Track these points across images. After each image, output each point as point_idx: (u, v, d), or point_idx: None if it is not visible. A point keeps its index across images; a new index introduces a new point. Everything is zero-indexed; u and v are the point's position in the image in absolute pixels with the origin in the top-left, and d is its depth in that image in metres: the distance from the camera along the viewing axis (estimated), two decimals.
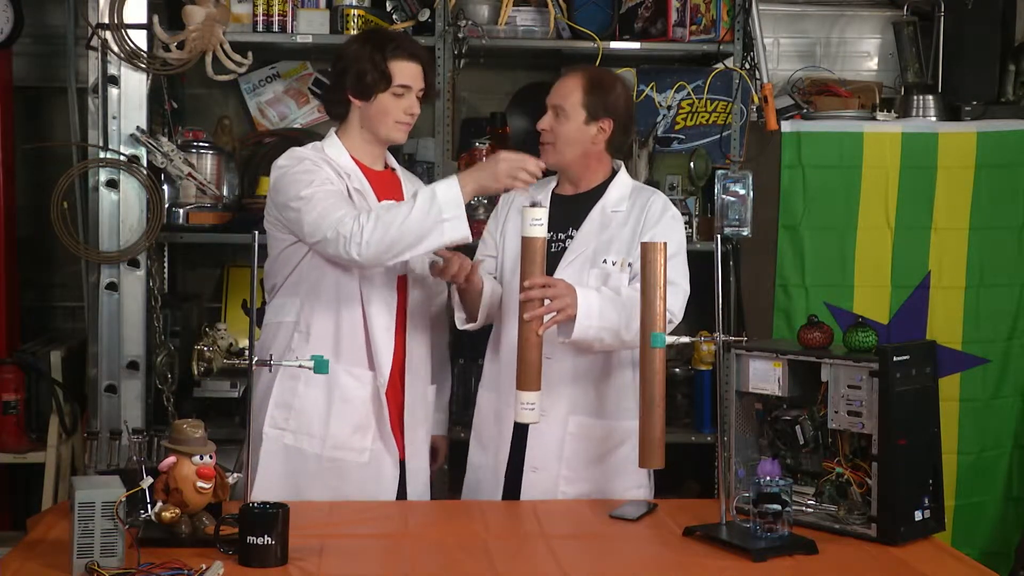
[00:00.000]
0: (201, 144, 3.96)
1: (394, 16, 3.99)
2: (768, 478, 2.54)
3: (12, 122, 4.16)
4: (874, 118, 4.18)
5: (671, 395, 3.87)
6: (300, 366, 2.63)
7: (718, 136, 4.06)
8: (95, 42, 3.72)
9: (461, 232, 2.82)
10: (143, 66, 3.73)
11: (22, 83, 4.26)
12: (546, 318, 2.83)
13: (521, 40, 4.04)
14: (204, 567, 2.29)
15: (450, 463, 3.49)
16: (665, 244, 2.64)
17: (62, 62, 4.32)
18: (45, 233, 3.95)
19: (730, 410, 2.90)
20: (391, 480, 3.07)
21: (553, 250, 3.09)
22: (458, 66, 3.91)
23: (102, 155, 3.74)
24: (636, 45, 4.01)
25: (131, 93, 3.75)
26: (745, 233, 3.96)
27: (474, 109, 4.44)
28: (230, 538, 2.41)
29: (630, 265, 3.01)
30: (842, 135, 4.12)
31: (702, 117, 4.08)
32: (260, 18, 3.89)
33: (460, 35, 3.88)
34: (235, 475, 2.57)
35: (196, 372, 3.92)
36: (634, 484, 3.06)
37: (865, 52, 4.67)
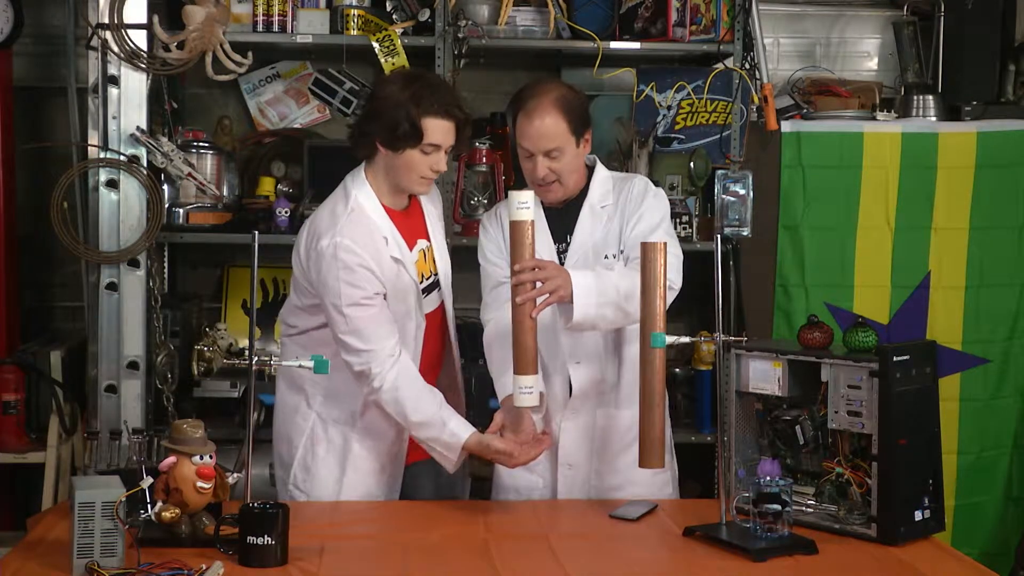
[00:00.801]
0: (201, 144, 3.95)
1: (394, 16, 3.99)
2: (768, 478, 2.54)
3: (12, 122, 4.16)
4: (874, 118, 4.18)
5: (671, 395, 3.88)
6: (300, 366, 2.63)
7: (718, 136, 4.06)
8: (95, 42, 3.72)
9: (448, 466, 2.94)
10: (143, 66, 3.73)
11: (22, 83, 4.26)
12: (539, 300, 2.81)
13: (521, 40, 4.04)
14: (204, 567, 2.29)
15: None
16: (665, 244, 2.64)
17: (62, 62, 4.32)
18: (45, 233, 3.95)
19: (730, 410, 2.90)
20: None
21: (559, 260, 3.08)
22: (458, 66, 3.91)
23: (102, 155, 3.74)
24: (636, 45, 4.01)
25: (131, 93, 3.74)
26: (745, 233, 3.96)
27: (474, 109, 4.42)
28: (230, 538, 2.41)
29: (622, 251, 3.02)
30: (842, 135, 4.12)
31: (702, 117, 4.08)
32: (260, 18, 3.89)
33: (460, 35, 3.88)
34: (235, 475, 2.57)
35: (196, 372, 3.92)
36: (660, 471, 3.01)
37: (865, 52, 4.67)
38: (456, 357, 3.20)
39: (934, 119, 4.19)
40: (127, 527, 2.31)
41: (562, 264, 3.04)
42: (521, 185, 2.99)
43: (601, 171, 3.14)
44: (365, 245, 2.90)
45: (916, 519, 2.64)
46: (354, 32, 3.90)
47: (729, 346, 2.84)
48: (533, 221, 2.78)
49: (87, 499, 2.29)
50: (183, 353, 3.96)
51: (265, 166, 4.25)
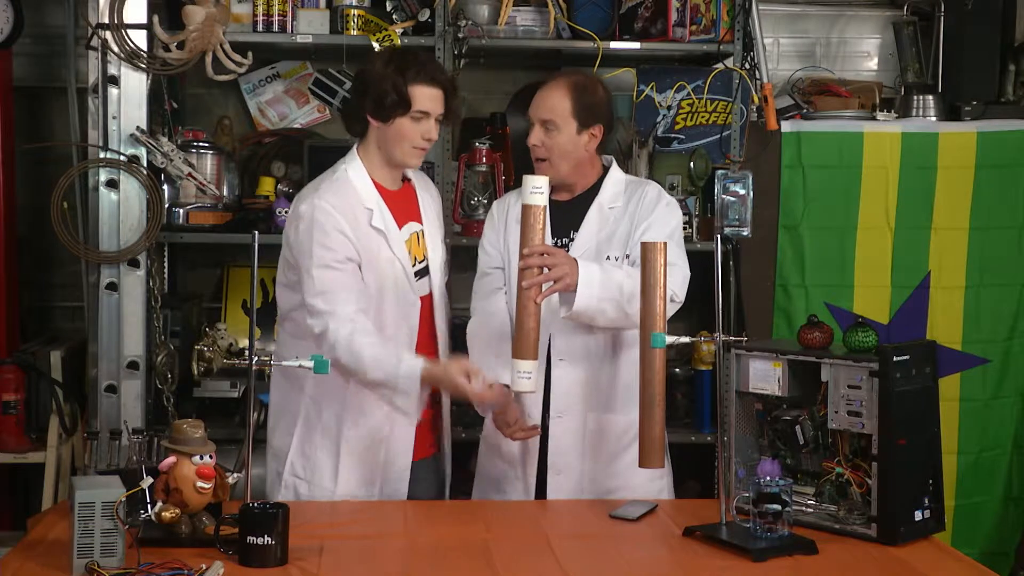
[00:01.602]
0: (201, 144, 3.96)
1: (394, 16, 3.99)
2: (768, 478, 2.54)
3: (12, 122, 4.16)
4: (874, 118, 4.18)
5: (671, 395, 3.88)
6: (300, 366, 2.63)
7: (718, 136, 4.06)
8: (95, 42, 3.72)
9: (402, 402, 2.90)
10: (143, 66, 3.73)
11: (22, 83, 4.26)
12: (545, 287, 2.81)
13: (521, 40, 4.04)
14: (204, 567, 2.29)
15: (452, 464, 3.48)
16: (665, 244, 2.64)
17: (62, 62, 4.32)
18: (45, 233, 3.95)
19: (730, 410, 2.90)
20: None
21: None
22: (458, 66, 3.91)
23: (102, 155, 3.74)
24: (636, 45, 4.01)
25: (131, 93, 3.75)
26: (745, 233, 3.96)
27: (474, 109, 4.44)
28: (230, 538, 2.41)
29: (627, 257, 3.01)
30: (842, 135, 4.12)
31: (702, 117, 4.08)
32: (260, 18, 3.89)
33: (460, 35, 3.88)
34: (235, 475, 2.57)
35: (196, 372, 3.92)
36: (656, 475, 3.03)
37: (865, 52, 4.67)
38: (444, 350, 3.16)
39: (934, 119, 4.19)
40: (127, 527, 2.31)
41: None
42: (520, 185, 2.99)
43: (616, 172, 3.15)
44: (343, 210, 2.94)
45: (916, 519, 2.64)
46: (354, 32, 3.91)
47: (729, 346, 2.84)
48: (546, 207, 2.78)
49: (87, 499, 2.29)
50: (183, 353, 3.96)
51: (265, 166, 4.25)
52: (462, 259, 3.95)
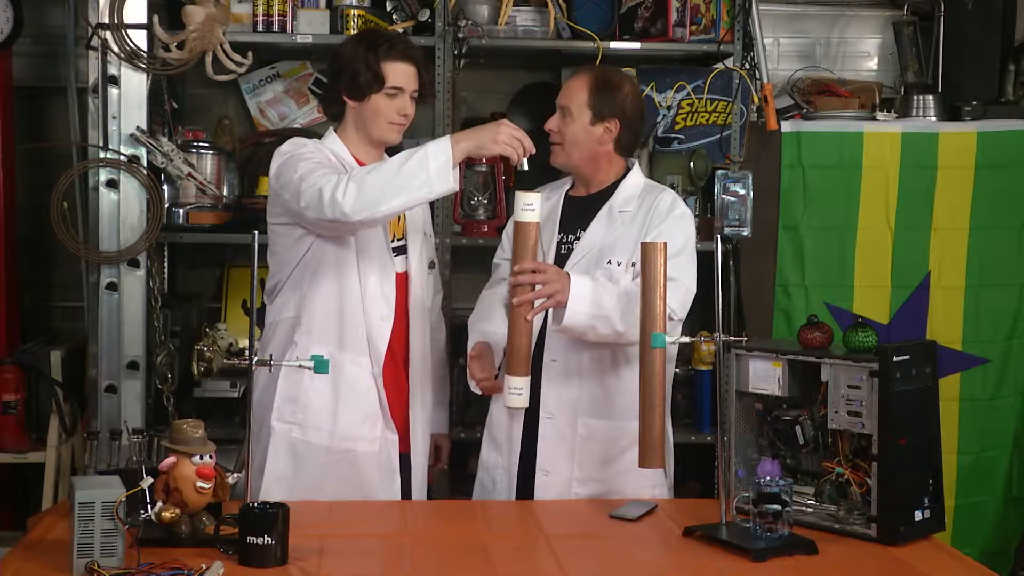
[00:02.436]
0: (201, 144, 3.96)
1: (394, 16, 4.00)
2: (768, 478, 2.54)
3: (12, 122, 4.16)
4: (874, 118, 4.18)
5: (671, 395, 3.88)
6: (300, 366, 2.63)
7: (718, 136, 4.06)
8: (95, 42, 3.72)
9: (447, 185, 2.80)
10: (143, 66, 3.73)
11: (22, 83, 4.26)
12: (537, 303, 2.82)
13: (521, 40, 4.04)
14: (204, 567, 2.29)
15: (450, 463, 3.49)
16: (665, 244, 2.64)
17: (62, 62, 4.32)
18: (45, 233, 3.95)
19: (730, 410, 2.90)
20: (397, 466, 3.09)
21: (562, 251, 3.09)
22: (458, 66, 3.91)
23: (102, 155, 3.74)
24: (636, 45, 4.01)
25: (131, 93, 3.75)
26: (745, 233, 3.96)
27: (474, 109, 4.44)
28: (230, 538, 2.41)
29: (633, 265, 3.00)
30: (842, 135, 4.12)
31: (702, 117, 4.08)
32: (260, 18, 3.89)
33: (460, 35, 3.88)
34: (235, 475, 2.57)
35: (196, 372, 3.92)
36: (649, 483, 3.04)
37: (865, 52, 4.67)
38: (426, 345, 3.18)
39: (934, 119, 4.19)
40: (127, 527, 2.31)
41: (565, 256, 3.05)
42: (520, 185, 3.00)
43: (634, 176, 3.15)
44: (322, 147, 3.03)
45: (916, 519, 2.64)
46: (354, 32, 3.90)
47: (729, 346, 2.84)
48: (538, 223, 2.79)
49: (87, 499, 2.29)
50: (183, 353, 3.96)
51: (265, 166, 4.22)
52: (462, 259, 3.96)
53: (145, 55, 3.73)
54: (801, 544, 2.54)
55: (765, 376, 2.79)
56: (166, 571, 2.28)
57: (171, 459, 2.46)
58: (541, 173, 3.80)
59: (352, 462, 3.03)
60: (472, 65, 4.04)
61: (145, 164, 3.76)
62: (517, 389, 2.81)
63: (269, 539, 2.36)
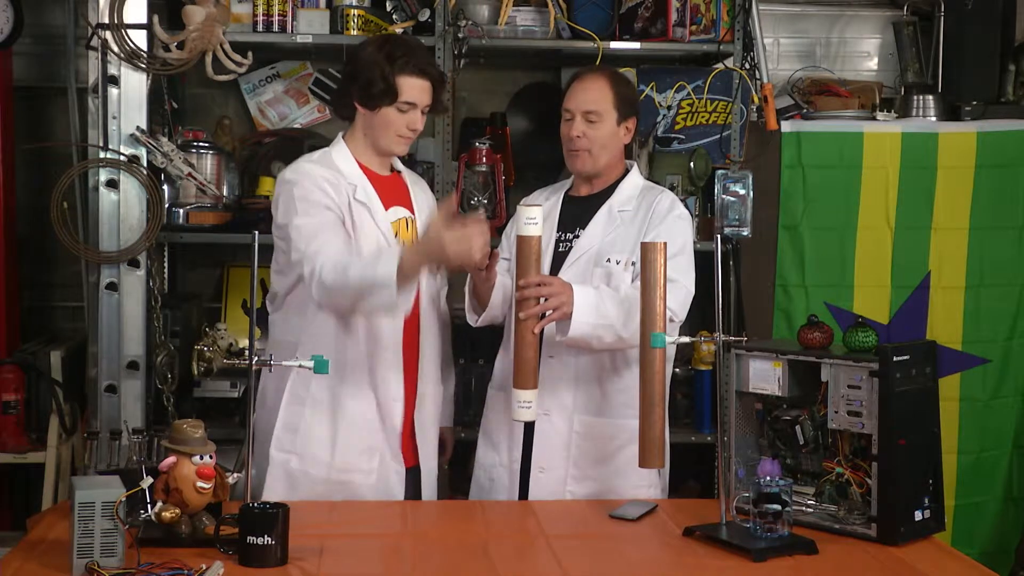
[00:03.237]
0: (201, 144, 3.95)
1: (394, 16, 3.99)
2: (768, 478, 2.54)
3: (12, 122, 4.16)
4: (874, 118, 4.18)
5: (671, 395, 3.87)
6: (300, 366, 2.63)
7: (718, 136, 4.06)
8: (95, 42, 3.72)
9: (387, 300, 2.75)
10: (143, 66, 3.73)
11: (22, 83, 4.26)
12: (543, 316, 2.84)
13: (521, 40, 4.04)
14: (204, 567, 2.29)
15: (450, 462, 3.48)
16: (665, 244, 2.64)
17: (62, 62, 4.32)
18: (45, 233, 3.95)
19: (730, 410, 2.90)
20: (398, 495, 3.07)
21: (560, 250, 3.10)
22: (458, 66, 3.91)
23: (102, 155, 3.74)
24: (636, 45, 4.01)
25: (131, 93, 3.74)
26: (745, 233, 3.95)
27: (474, 109, 4.44)
28: (230, 538, 2.41)
29: (633, 264, 3.00)
30: (842, 135, 4.12)
31: (702, 117, 4.08)
32: (260, 18, 3.89)
33: (460, 35, 3.87)
34: (235, 475, 2.57)
35: (196, 372, 3.92)
36: (644, 483, 3.05)
37: (865, 52, 4.67)
38: (436, 349, 3.16)
39: (934, 119, 4.19)
40: (127, 527, 2.31)
41: (564, 255, 3.05)
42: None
43: (634, 176, 3.16)
44: (324, 176, 2.98)
45: (916, 519, 2.64)
46: (354, 32, 3.90)
47: (729, 346, 2.84)
48: (540, 237, 2.80)
49: (87, 499, 2.29)
50: (183, 353, 3.96)
51: (265, 166, 4.24)
52: None
53: (145, 55, 3.73)
54: (801, 544, 2.54)
55: (765, 376, 2.79)
56: (166, 571, 2.28)
57: (171, 459, 2.46)
58: (541, 174, 3.82)
59: (347, 493, 3.01)
60: (472, 65, 4.04)
61: (145, 164, 3.76)
62: (526, 402, 2.83)
63: (269, 539, 2.36)
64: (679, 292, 2.95)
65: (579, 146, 3.08)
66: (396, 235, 3.04)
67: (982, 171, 4.14)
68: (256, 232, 2.60)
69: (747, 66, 4.01)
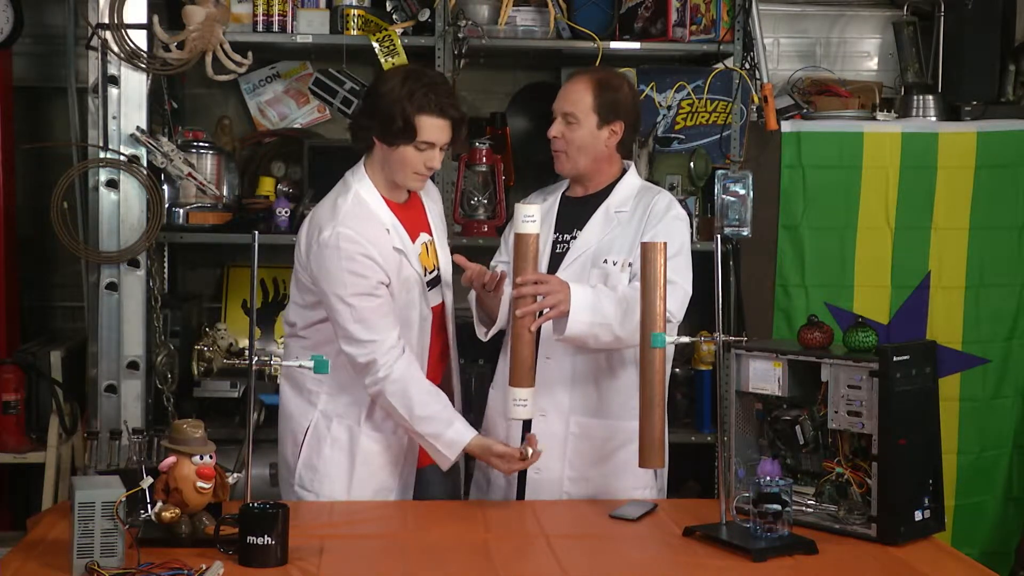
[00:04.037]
0: (201, 144, 3.95)
1: (394, 16, 3.99)
2: (768, 478, 2.54)
3: (12, 122, 4.16)
4: (874, 118, 4.18)
5: (671, 395, 3.87)
6: (300, 367, 2.63)
7: (718, 136, 4.06)
8: (95, 42, 3.72)
9: (440, 460, 2.94)
10: (143, 66, 3.73)
11: (22, 83, 4.26)
12: (540, 315, 2.83)
13: (521, 40, 4.04)
14: (204, 567, 2.29)
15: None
16: (665, 244, 2.64)
17: (62, 62, 4.32)
18: (45, 233, 3.95)
19: (730, 410, 2.90)
20: None
21: (557, 251, 3.09)
22: (458, 66, 3.91)
23: (102, 155, 3.74)
24: (636, 45, 4.01)
25: (131, 93, 3.75)
26: (745, 233, 3.95)
27: (474, 109, 4.43)
28: (230, 538, 2.41)
29: (630, 265, 3.00)
30: (842, 135, 4.12)
31: (702, 117, 4.08)
32: (260, 18, 3.89)
33: (460, 35, 3.87)
34: (235, 475, 2.57)
35: (196, 372, 3.92)
36: (640, 484, 3.05)
37: (865, 52, 4.67)
38: (455, 358, 3.19)
39: (934, 119, 4.19)
40: (127, 527, 2.31)
41: (561, 255, 3.05)
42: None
43: (631, 177, 3.15)
44: (367, 235, 2.90)
45: (916, 519, 2.64)
46: (354, 32, 3.90)
47: (729, 346, 2.84)
48: (537, 235, 2.80)
49: (87, 499, 2.29)
50: (183, 353, 3.96)
51: (265, 166, 4.25)
52: None
53: (145, 55, 3.73)
54: (801, 544, 2.54)
55: (765, 376, 2.79)
56: (166, 571, 2.28)
57: (171, 459, 2.46)
58: (541, 174, 3.81)
59: None
60: (472, 65, 4.04)
61: (145, 164, 3.76)
62: (522, 401, 2.83)
63: (269, 539, 2.36)
64: (677, 293, 2.94)
65: (556, 147, 3.08)
66: (421, 264, 3.02)
67: (982, 171, 4.14)
68: (256, 232, 2.60)
69: (747, 66, 4.01)
